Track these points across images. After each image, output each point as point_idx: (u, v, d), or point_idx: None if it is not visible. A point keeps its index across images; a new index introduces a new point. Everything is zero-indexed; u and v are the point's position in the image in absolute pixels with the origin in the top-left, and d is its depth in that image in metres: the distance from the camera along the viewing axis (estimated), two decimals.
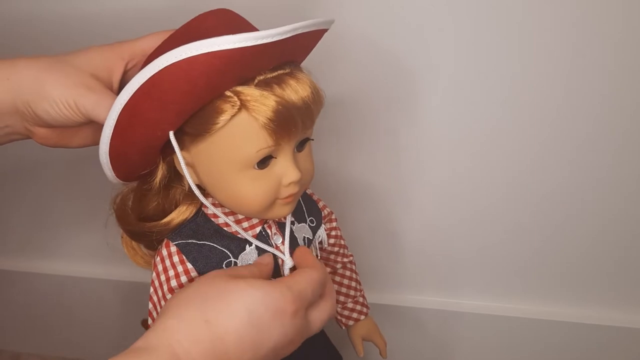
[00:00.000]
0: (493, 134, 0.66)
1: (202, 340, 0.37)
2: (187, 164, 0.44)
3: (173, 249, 0.46)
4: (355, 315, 0.59)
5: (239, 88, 0.40)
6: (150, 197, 0.47)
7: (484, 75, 0.62)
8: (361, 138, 0.69)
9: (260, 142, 0.41)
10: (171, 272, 0.46)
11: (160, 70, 0.37)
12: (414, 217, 0.73)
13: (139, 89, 0.38)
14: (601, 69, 0.60)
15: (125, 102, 0.39)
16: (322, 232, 0.54)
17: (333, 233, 0.57)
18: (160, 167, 0.45)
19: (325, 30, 0.46)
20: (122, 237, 0.50)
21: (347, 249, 0.59)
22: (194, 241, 0.47)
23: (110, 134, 0.41)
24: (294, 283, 0.41)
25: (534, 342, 0.77)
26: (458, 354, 0.81)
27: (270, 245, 0.49)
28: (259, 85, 0.41)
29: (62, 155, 0.64)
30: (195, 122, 0.41)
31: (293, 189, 0.45)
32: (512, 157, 0.67)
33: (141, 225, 0.46)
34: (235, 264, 0.47)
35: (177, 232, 0.47)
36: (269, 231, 0.49)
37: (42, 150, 0.64)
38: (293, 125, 0.42)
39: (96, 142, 0.44)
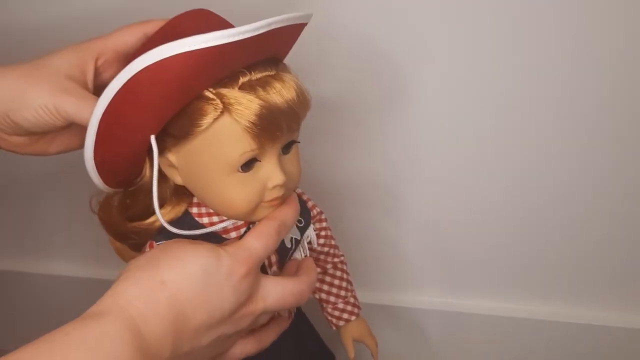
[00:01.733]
0: (492, 133, 0.65)
1: (158, 300, 0.36)
2: (171, 166, 0.44)
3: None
4: (345, 315, 0.59)
5: (223, 90, 0.40)
6: (136, 197, 0.47)
7: (483, 74, 0.62)
8: (359, 137, 0.68)
9: (244, 145, 0.41)
10: None
11: (135, 75, 0.37)
12: (413, 217, 0.73)
13: (116, 94, 0.38)
14: (603, 66, 0.60)
15: (105, 108, 0.39)
16: (311, 233, 0.54)
17: (323, 233, 0.56)
18: (146, 168, 0.45)
19: (304, 25, 0.45)
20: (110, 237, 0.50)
21: (337, 248, 0.59)
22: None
23: (93, 142, 0.41)
24: (245, 243, 0.41)
25: (534, 342, 0.76)
26: (458, 354, 0.81)
27: None
28: (243, 87, 0.40)
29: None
30: (178, 125, 0.41)
31: (278, 192, 0.45)
32: (512, 158, 0.66)
33: (125, 226, 0.46)
34: None
35: (162, 232, 0.47)
36: None
37: None
38: (277, 129, 0.42)
39: (72, 148, 0.44)
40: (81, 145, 0.42)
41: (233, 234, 0.48)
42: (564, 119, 0.63)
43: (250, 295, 0.41)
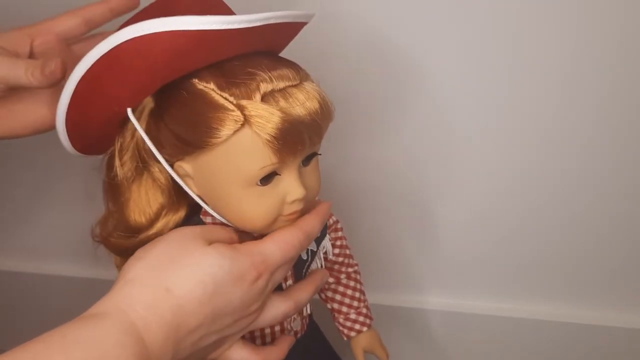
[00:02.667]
0: (492, 133, 0.65)
1: (161, 307, 0.35)
2: (187, 175, 0.42)
3: None
4: (357, 326, 0.57)
5: (243, 102, 0.38)
6: (125, 207, 0.44)
7: (484, 73, 0.62)
8: (360, 139, 0.68)
9: (264, 159, 0.39)
10: None
11: (122, 43, 0.35)
12: (411, 217, 0.72)
13: (100, 57, 0.36)
14: (604, 66, 0.60)
15: (85, 69, 0.37)
16: (326, 243, 0.52)
17: (338, 243, 0.55)
18: (117, 149, 0.43)
19: (304, 24, 0.43)
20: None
21: (352, 258, 0.57)
22: None
23: (68, 102, 0.39)
24: (263, 247, 0.40)
25: (534, 342, 0.76)
26: (458, 354, 0.80)
27: None
28: (265, 98, 0.38)
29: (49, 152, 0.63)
30: (196, 134, 0.39)
31: (297, 207, 0.43)
32: (513, 157, 0.66)
33: (133, 242, 0.44)
34: None
35: None
36: None
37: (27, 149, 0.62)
38: (299, 143, 0.40)
39: (44, 128, 0.44)
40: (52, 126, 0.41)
41: None
42: (564, 118, 0.63)
43: (257, 301, 0.40)
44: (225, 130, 0.38)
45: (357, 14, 0.60)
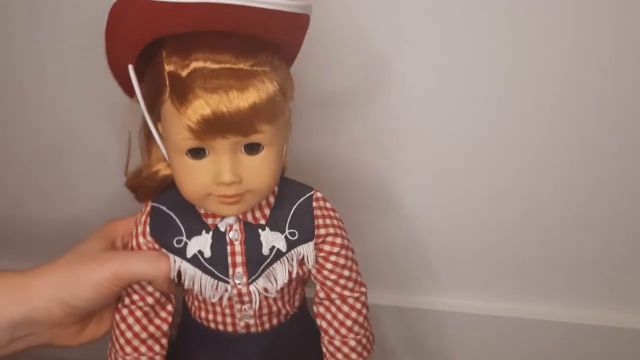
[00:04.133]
0: (491, 132, 0.64)
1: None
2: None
3: (147, 208, 0.50)
4: (339, 356, 0.52)
5: (172, 73, 0.41)
6: (145, 155, 0.51)
7: (480, 72, 0.60)
8: (354, 137, 0.66)
9: (182, 132, 0.41)
10: (139, 229, 0.50)
11: (113, 5, 0.40)
12: (413, 217, 0.71)
13: (107, 16, 0.41)
14: (603, 65, 0.58)
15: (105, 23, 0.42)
16: (307, 249, 0.50)
17: (332, 259, 0.51)
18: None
19: (300, 16, 0.42)
20: None
21: (356, 284, 0.53)
22: (164, 208, 0.50)
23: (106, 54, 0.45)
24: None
25: (534, 342, 0.75)
26: (458, 354, 0.79)
27: (224, 240, 0.48)
28: (193, 76, 0.40)
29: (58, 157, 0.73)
30: (150, 95, 0.44)
31: (226, 190, 0.44)
32: (511, 156, 0.65)
33: (140, 178, 0.51)
34: (186, 244, 0.49)
35: (162, 195, 0.51)
36: (231, 225, 0.48)
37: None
38: (219, 133, 0.41)
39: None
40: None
41: (210, 220, 0.49)
42: (562, 118, 0.62)
43: None
44: (160, 96, 0.42)
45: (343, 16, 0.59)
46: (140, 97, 0.45)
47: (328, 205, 0.52)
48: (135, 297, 0.50)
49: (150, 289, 0.50)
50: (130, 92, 0.48)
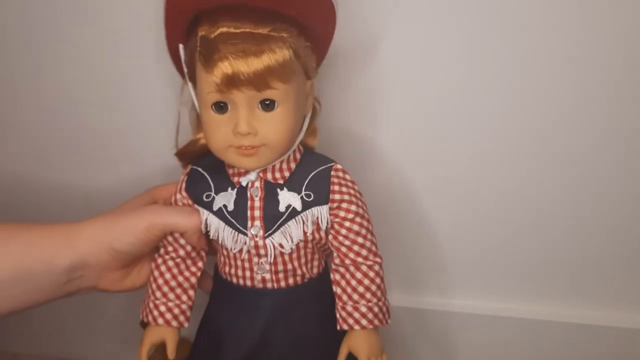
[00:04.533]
0: (492, 133, 0.65)
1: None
2: None
3: (187, 170, 0.58)
4: (350, 321, 0.54)
5: (203, 37, 0.49)
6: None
7: (482, 74, 0.62)
8: (355, 136, 0.68)
9: (208, 85, 0.49)
10: (178, 187, 0.58)
11: None
12: (414, 217, 0.72)
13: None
14: (606, 67, 0.59)
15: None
16: (321, 211, 0.54)
17: (347, 224, 0.54)
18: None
19: None
20: None
21: (370, 252, 0.55)
22: (199, 169, 0.57)
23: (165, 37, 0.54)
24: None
25: (534, 342, 0.75)
26: (458, 354, 0.79)
27: (245, 196, 0.54)
28: (218, 38, 0.48)
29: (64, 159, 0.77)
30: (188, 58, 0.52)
31: (242, 141, 0.50)
32: (512, 157, 0.66)
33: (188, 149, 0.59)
34: (214, 198, 0.55)
35: (200, 159, 0.58)
36: (253, 182, 0.54)
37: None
38: (236, 87, 0.48)
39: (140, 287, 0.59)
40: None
41: (235, 179, 0.55)
42: (563, 120, 0.63)
43: None
44: (194, 57, 0.50)
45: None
46: (185, 69, 0.53)
47: (347, 177, 0.56)
48: (170, 248, 0.57)
49: (182, 241, 0.57)
50: (182, 73, 0.57)
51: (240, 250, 0.55)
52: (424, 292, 0.76)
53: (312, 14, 0.51)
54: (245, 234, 0.54)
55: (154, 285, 0.57)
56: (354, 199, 0.55)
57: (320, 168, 0.55)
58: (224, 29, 0.48)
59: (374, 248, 0.56)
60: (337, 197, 0.54)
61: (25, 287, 0.51)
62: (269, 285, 0.56)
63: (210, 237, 0.55)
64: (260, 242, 0.54)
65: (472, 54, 0.61)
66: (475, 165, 0.67)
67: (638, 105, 0.61)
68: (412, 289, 0.77)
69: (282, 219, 0.54)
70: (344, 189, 0.55)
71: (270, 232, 0.54)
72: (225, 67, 0.47)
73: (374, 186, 0.69)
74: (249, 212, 0.54)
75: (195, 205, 0.56)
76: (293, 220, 0.54)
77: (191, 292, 0.58)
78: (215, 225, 0.54)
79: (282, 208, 0.54)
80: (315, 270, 0.58)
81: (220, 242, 0.55)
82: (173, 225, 0.54)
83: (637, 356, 0.72)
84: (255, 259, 0.55)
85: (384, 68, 0.64)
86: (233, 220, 0.54)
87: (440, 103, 0.64)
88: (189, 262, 0.58)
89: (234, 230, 0.54)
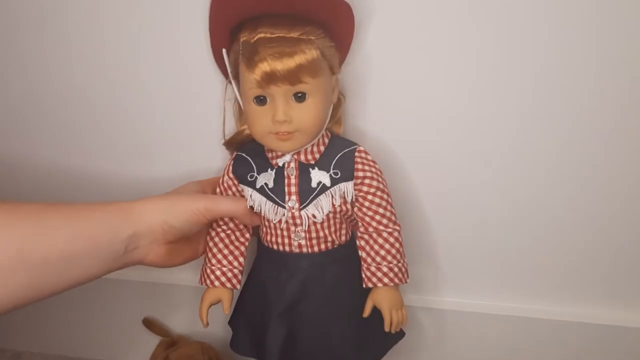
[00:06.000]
0: (490, 134, 0.68)
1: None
2: None
3: (233, 156, 0.68)
4: (374, 279, 0.64)
5: (244, 40, 0.59)
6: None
7: (487, 75, 0.65)
8: (356, 135, 0.71)
9: (250, 83, 0.59)
10: (225, 170, 0.68)
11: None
12: (414, 217, 0.74)
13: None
14: (604, 66, 0.62)
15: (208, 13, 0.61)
16: (347, 187, 0.64)
17: (370, 198, 0.64)
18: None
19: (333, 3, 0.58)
20: None
21: (390, 221, 0.64)
22: (244, 155, 0.67)
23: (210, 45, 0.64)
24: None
25: (534, 342, 0.77)
26: (458, 353, 0.81)
27: (283, 175, 0.64)
28: (258, 42, 0.58)
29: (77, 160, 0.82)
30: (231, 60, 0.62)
31: (280, 128, 0.60)
32: (511, 158, 0.68)
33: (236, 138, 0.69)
34: (256, 178, 0.65)
35: (244, 146, 0.68)
36: (289, 163, 0.64)
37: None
38: (273, 83, 0.58)
39: (193, 258, 0.67)
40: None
41: (274, 161, 0.65)
42: (563, 120, 0.65)
43: None
44: (237, 58, 0.60)
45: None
46: (229, 69, 0.64)
47: (369, 157, 0.65)
48: (221, 222, 0.67)
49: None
50: (225, 73, 0.67)
51: (280, 221, 0.64)
52: (422, 291, 0.80)
53: (334, 18, 0.61)
54: (284, 207, 0.64)
55: (209, 254, 0.67)
56: (375, 176, 0.64)
57: (346, 150, 0.65)
58: (262, 35, 0.58)
59: (393, 217, 0.65)
60: (360, 174, 0.64)
61: (92, 258, 0.55)
62: (305, 250, 0.66)
63: (254, 211, 0.65)
64: (297, 214, 0.64)
65: (476, 55, 0.65)
66: (474, 165, 0.70)
67: (633, 107, 0.63)
68: (409, 288, 0.79)
69: (314, 194, 0.64)
70: (366, 167, 0.64)
71: (304, 204, 0.64)
72: (264, 66, 0.57)
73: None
74: (286, 188, 0.64)
75: (240, 185, 0.66)
76: (324, 194, 0.64)
77: (241, 259, 0.68)
78: (259, 200, 0.65)
79: (314, 184, 0.63)
80: (343, 238, 0.68)
81: (262, 214, 0.65)
82: (225, 211, 0.64)
83: (637, 356, 0.74)
84: (293, 228, 0.65)
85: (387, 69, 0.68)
86: (273, 196, 0.64)
87: (441, 105, 0.68)
88: (238, 233, 0.68)
89: (274, 204, 0.64)
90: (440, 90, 0.68)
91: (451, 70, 0.66)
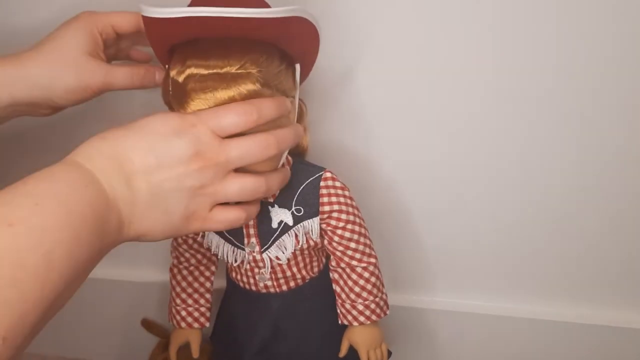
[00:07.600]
0: (489, 133, 0.64)
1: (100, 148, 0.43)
2: None
3: None
4: (349, 317, 0.59)
5: (173, 76, 0.49)
6: None
7: (476, 69, 0.61)
8: (353, 134, 0.67)
9: None
10: None
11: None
12: (413, 217, 0.72)
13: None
14: (599, 62, 0.59)
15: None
16: (312, 224, 0.57)
17: (339, 232, 0.57)
18: None
19: (282, 20, 0.46)
20: None
21: (362, 254, 0.58)
22: None
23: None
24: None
25: (534, 342, 0.76)
26: (458, 353, 0.80)
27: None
28: (188, 79, 0.48)
29: None
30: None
31: None
32: (509, 157, 0.66)
33: None
34: None
35: None
36: None
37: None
38: None
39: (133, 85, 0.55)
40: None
41: None
42: (559, 116, 0.62)
43: (207, 145, 0.45)
44: (168, 96, 0.51)
45: None
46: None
47: (337, 184, 0.58)
48: (182, 258, 0.62)
49: (196, 247, 0.61)
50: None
51: (242, 262, 0.59)
52: (418, 291, 0.78)
53: (286, 40, 0.50)
54: (243, 249, 0.58)
55: (173, 293, 0.63)
56: (343, 208, 0.57)
57: (309, 180, 0.57)
58: (192, 70, 0.48)
59: (367, 250, 0.59)
60: (326, 208, 0.57)
61: None
62: (272, 290, 0.60)
63: (212, 253, 0.60)
64: (258, 257, 0.58)
65: (463, 60, 0.60)
66: (471, 164, 0.67)
67: (631, 105, 0.60)
68: (409, 288, 0.78)
69: (275, 234, 0.57)
70: (333, 199, 0.57)
71: (265, 247, 0.57)
72: (195, 105, 0.48)
73: (370, 186, 0.69)
74: (244, 230, 0.57)
75: None
76: (286, 234, 0.57)
77: (207, 295, 0.63)
78: (216, 242, 0.59)
79: (274, 224, 0.57)
80: (315, 270, 0.62)
81: (220, 257, 0.59)
82: (123, 84, 0.54)
83: (637, 356, 0.73)
84: (256, 270, 0.59)
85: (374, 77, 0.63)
86: (231, 238, 0.58)
87: (432, 102, 0.64)
88: (202, 268, 0.63)
89: (232, 246, 0.58)
90: (429, 96, 0.63)
91: (439, 73, 0.62)
